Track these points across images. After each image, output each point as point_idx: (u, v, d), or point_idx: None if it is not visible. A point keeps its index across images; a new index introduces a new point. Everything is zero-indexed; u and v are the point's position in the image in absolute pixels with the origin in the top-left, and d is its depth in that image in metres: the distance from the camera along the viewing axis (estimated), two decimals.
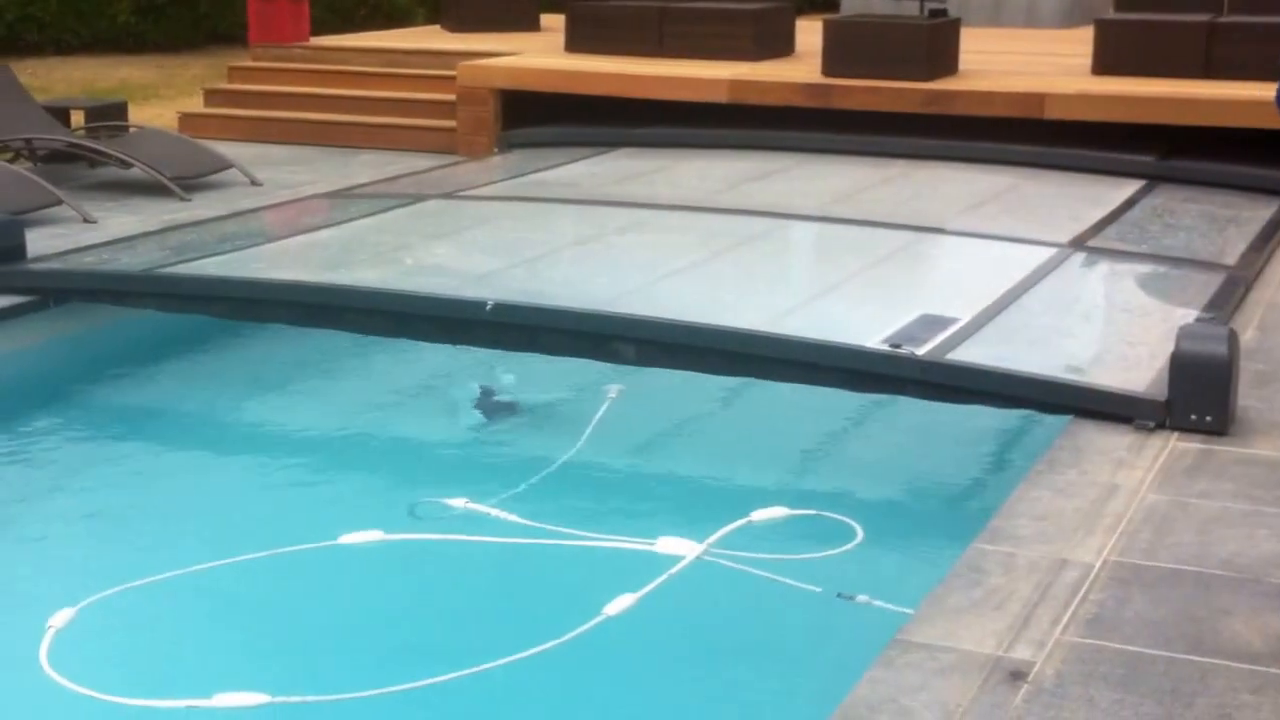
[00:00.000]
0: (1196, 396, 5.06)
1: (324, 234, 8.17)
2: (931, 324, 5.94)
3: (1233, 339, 5.19)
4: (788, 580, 4.70)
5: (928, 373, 5.50)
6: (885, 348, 5.62)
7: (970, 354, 5.62)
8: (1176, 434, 5.06)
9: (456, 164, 10.35)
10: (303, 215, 8.77)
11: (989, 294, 6.48)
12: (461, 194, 9.12)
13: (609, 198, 8.97)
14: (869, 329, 5.85)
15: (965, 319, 6.04)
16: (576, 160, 10.02)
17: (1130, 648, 3.62)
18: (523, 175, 9.66)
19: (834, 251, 8.04)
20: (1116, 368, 5.75)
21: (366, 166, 10.43)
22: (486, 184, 9.49)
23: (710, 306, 6.34)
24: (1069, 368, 5.69)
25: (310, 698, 4.05)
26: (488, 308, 6.09)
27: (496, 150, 10.69)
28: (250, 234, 8.17)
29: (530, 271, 7.16)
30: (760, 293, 6.86)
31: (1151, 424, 5.10)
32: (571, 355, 6.22)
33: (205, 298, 6.74)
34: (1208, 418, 5.04)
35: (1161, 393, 5.16)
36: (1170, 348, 5.20)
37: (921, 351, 5.58)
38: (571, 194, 9.11)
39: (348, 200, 9.05)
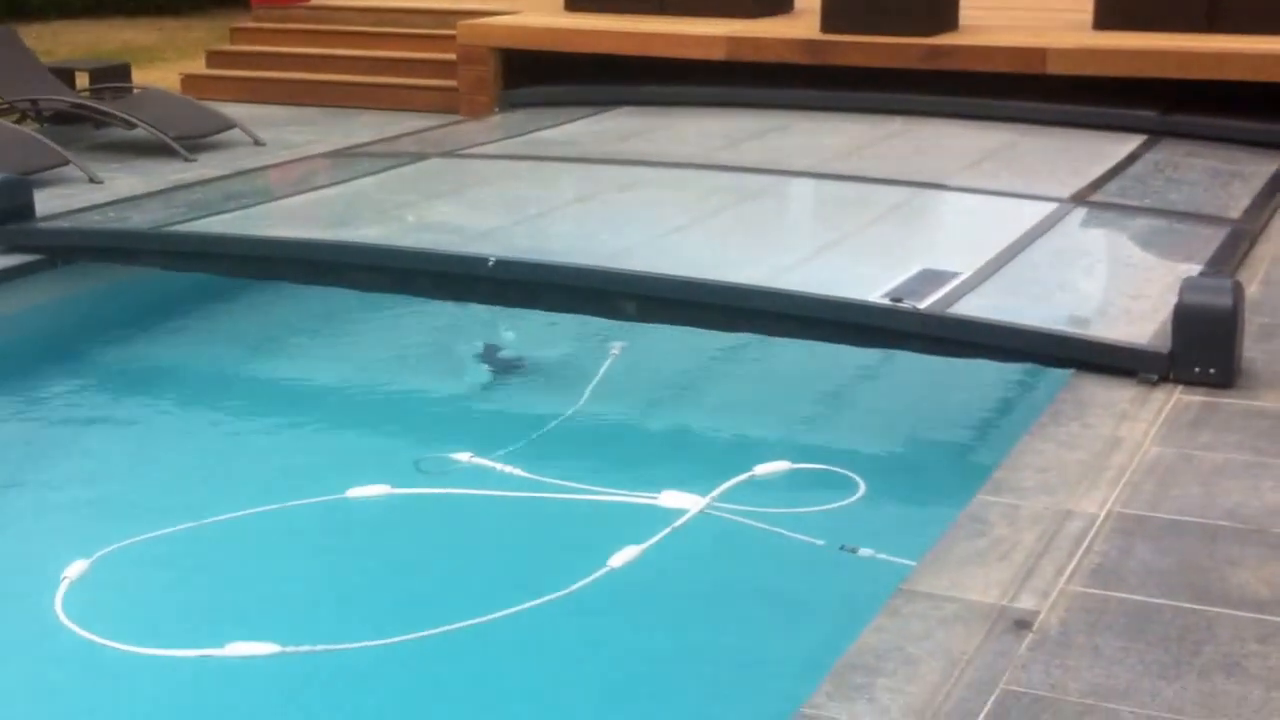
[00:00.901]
0: (1200, 349, 5.05)
1: (327, 192, 8.17)
2: (933, 278, 5.94)
3: (1237, 291, 5.17)
4: (791, 533, 4.73)
5: (929, 326, 5.50)
6: (887, 302, 5.62)
7: (972, 307, 5.62)
8: (1180, 387, 5.06)
9: (457, 123, 10.33)
10: (306, 174, 8.76)
11: (990, 249, 6.47)
12: (463, 152, 9.12)
13: (609, 156, 8.95)
14: (870, 284, 5.84)
15: (967, 273, 6.04)
16: (577, 119, 10.00)
17: (1135, 597, 3.64)
18: (523, 134, 9.63)
19: (834, 208, 8.03)
20: (1120, 321, 5.74)
21: (368, 126, 10.41)
22: (487, 143, 9.47)
23: (711, 263, 6.33)
24: (1072, 321, 5.69)
25: (320, 647, 4.09)
26: (490, 264, 6.09)
27: (497, 109, 10.66)
28: (254, 193, 8.17)
29: (531, 229, 7.16)
30: (761, 249, 6.85)
31: (1155, 377, 5.10)
32: (573, 311, 6.23)
33: (211, 255, 6.76)
34: (1211, 370, 5.04)
35: (1165, 345, 5.15)
36: (1174, 301, 5.19)
37: (923, 305, 5.58)
38: (572, 152, 9.09)
39: (350, 159, 9.04)
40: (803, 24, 10.44)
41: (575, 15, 11.12)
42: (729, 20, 10.57)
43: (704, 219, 7.47)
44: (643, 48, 10.35)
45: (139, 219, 7.29)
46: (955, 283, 5.89)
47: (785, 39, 10.06)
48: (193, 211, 7.37)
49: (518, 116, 10.32)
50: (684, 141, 9.43)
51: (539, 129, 9.72)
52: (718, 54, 10.16)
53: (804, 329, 5.74)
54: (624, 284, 6.01)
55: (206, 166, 8.95)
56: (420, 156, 8.96)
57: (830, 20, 9.99)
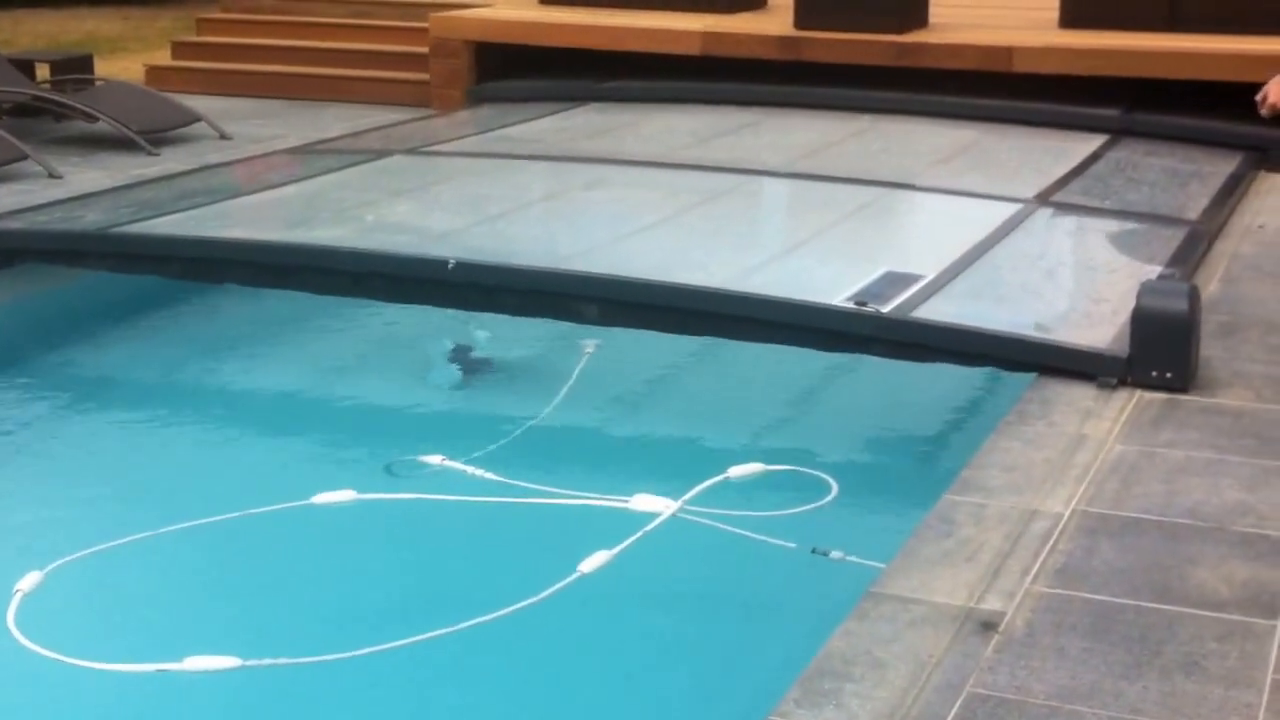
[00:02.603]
0: (1157, 353, 5.06)
1: (287, 190, 8.07)
2: (897, 281, 5.91)
3: (1193, 295, 5.18)
4: (763, 536, 4.71)
5: (892, 331, 5.47)
6: (850, 306, 5.59)
7: (935, 311, 5.60)
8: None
9: (426, 118, 10.27)
10: (268, 171, 8.67)
11: (954, 250, 6.46)
12: (428, 149, 9.06)
13: (576, 154, 8.93)
14: (835, 286, 5.83)
15: (931, 275, 6.02)
16: (547, 114, 9.96)
17: (1098, 597, 3.67)
18: (490, 131, 9.59)
19: (801, 207, 8.04)
20: (1081, 324, 5.76)
21: (337, 120, 10.34)
22: (454, 139, 9.43)
23: (677, 263, 6.30)
24: (1034, 325, 5.69)
25: (282, 660, 4.01)
26: (450, 266, 6.00)
27: (467, 104, 10.61)
28: (214, 190, 8.05)
29: (493, 229, 7.09)
30: (727, 250, 6.82)
31: (1114, 381, 5.10)
32: (534, 315, 6.13)
33: (161, 258, 6.58)
34: (1168, 374, 5.05)
35: (1123, 349, 5.16)
36: (1133, 303, 5.21)
37: (886, 309, 5.54)
38: (538, 150, 9.06)
39: (313, 156, 8.97)
40: (776, 20, 10.44)
41: (549, 8, 11.08)
42: (703, 15, 10.56)
43: (671, 218, 7.46)
44: (617, 42, 10.34)
45: (92, 218, 7.12)
46: (919, 285, 5.87)
47: (759, 34, 10.07)
48: (148, 210, 7.23)
49: (487, 112, 10.28)
50: (652, 139, 9.41)
51: (507, 125, 9.67)
52: (692, 49, 10.16)
53: (766, 333, 5.68)
54: (584, 287, 5.92)
55: (170, 161, 8.87)
56: (384, 153, 8.91)
57: (804, 16, 10.00)
